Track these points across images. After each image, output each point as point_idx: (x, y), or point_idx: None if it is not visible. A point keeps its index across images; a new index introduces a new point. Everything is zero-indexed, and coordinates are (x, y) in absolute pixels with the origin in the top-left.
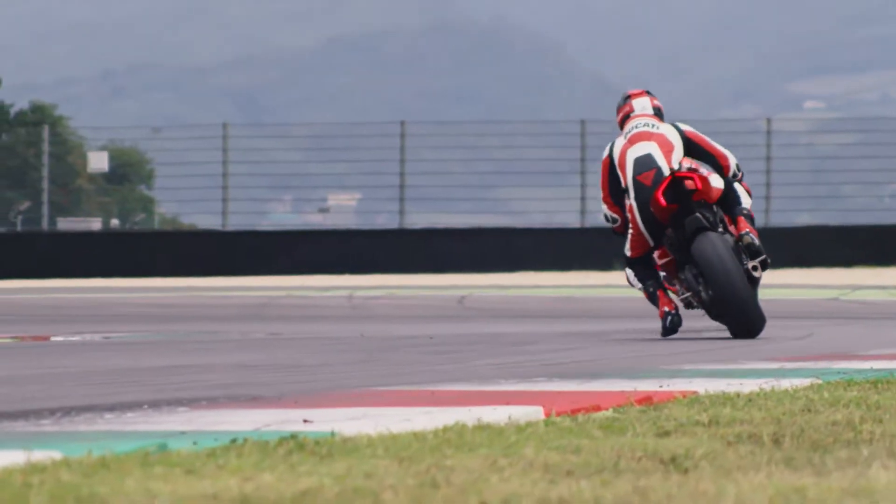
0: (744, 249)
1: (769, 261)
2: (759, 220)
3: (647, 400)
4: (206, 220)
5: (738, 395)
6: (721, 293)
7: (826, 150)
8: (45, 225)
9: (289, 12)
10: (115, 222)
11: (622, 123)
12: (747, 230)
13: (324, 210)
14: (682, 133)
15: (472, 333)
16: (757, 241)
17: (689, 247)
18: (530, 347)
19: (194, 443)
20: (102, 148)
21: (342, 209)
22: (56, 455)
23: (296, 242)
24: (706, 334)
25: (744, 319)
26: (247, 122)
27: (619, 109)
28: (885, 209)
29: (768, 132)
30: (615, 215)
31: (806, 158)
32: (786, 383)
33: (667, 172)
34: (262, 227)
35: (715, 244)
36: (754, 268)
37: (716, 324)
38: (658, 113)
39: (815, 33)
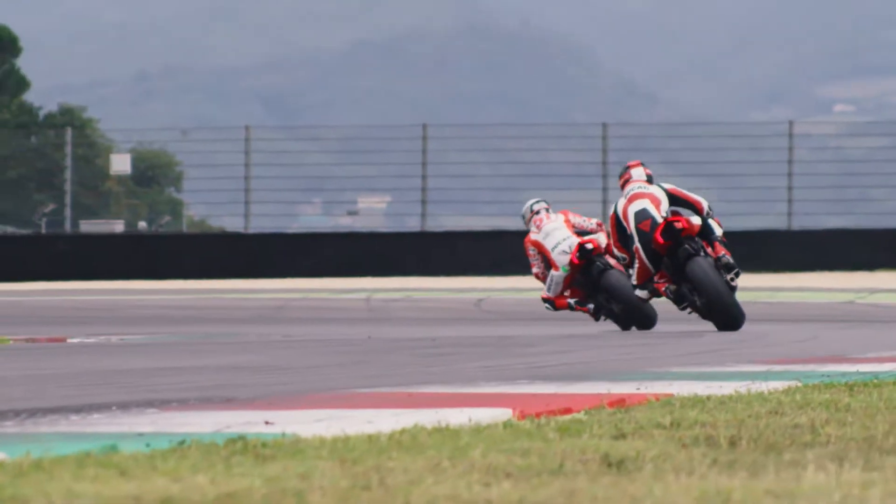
0: (722, 267)
1: (740, 272)
2: (782, 223)
3: (620, 402)
4: (234, 222)
5: (709, 397)
6: (711, 300)
7: (855, 154)
8: (67, 227)
9: (317, 15)
10: (142, 224)
11: (623, 186)
12: (723, 252)
13: (353, 213)
14: (665, 190)
15: (479, 336)
16: (731, 260)
17: (683, 269)
18: (527, 350)
19: (147, 444)
20: (131, 150)
21: (372, 212)
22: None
23: (318, 245)
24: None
25: (728, 317)
26: (276, 123)
27: (620, 176)
28: None
29: (790, 135)
30: (623, 255)
31: (835, 162)
32: (762, 386)
33: (659, 220)
34: (286, 229)
35: (703, 265)
36: (732, 279)
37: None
38: (649, 178)
39: (847, 36)
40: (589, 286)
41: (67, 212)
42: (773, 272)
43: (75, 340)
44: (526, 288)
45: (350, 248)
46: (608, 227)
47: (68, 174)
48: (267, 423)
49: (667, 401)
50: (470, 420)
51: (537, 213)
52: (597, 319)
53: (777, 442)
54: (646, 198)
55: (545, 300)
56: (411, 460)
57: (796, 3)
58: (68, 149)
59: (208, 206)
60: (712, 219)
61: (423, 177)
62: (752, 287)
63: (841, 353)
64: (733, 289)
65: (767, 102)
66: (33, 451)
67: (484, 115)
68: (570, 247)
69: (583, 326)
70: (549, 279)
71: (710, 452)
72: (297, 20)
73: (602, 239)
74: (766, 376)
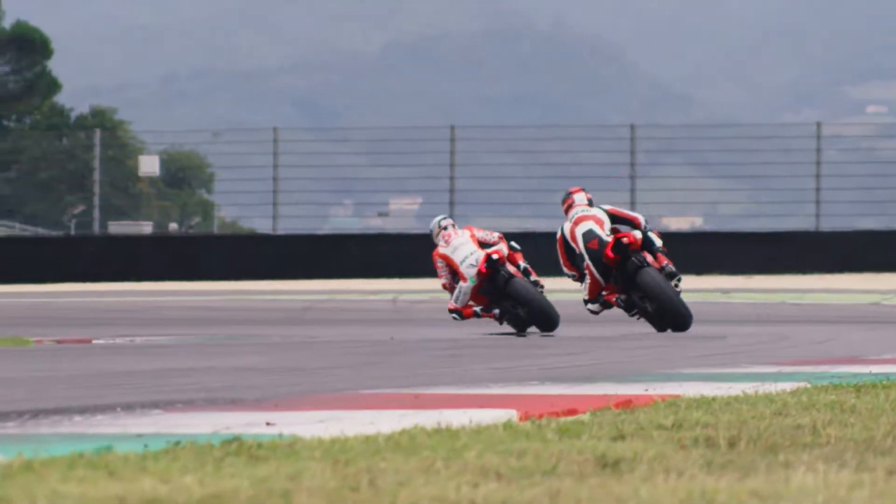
0: (667, 275)
1: (681, 277)
2: (811, 225)
3: (626, 403)
4: (264, 224)
5: (715, 399)
6: (663, 305)
7: (887, 155)
8: (96, 228)
9: (347, 16)
10: (173, 226)
11: (566, 211)
12: (666, 262)
13: (383, 214)
14: (606, 211)
15: (502, 336)
16: (673, 268)
17: (633, 280)
18: (539, 352)
19: (145, 445)
20: (162, 152)
21: (403, 213)
22: None
23: (347, 246)
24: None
25: (679, 318)
26: (306, 125)
27: (563, 201)
28: None
29: (818, 137)
30: (573, 272)
31: (865, 163)
32: (771, 387)
33: (605, 239)
34: (317, 230)
35: (652, 275)
36: (676, 284)
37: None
38: (589, 202)
39: (877, 37)
40: (494, 294)
41: (96, 213)
42: (801, 273)
43: (101, 342)
44: (555, 290)
45: (378, 249)
46: (557, 249)
47: (97, 175)
48: (268, 424)
49: (672, 402)
50: (471, 421)
51: (445, 228)
52: (501, 323)
53: (776, 443)
54: (590, 219)
55: (452, 311)
56: (404, 461)
57: (827, 4)
58: (97, 150)
59: (239, 208)
60: (651, 232)
61: (452, 178)
62: (779, 289)
63: (857, 355)
64: (678, 293)
65: (799, 104)
66: (28, 453)
67: (514, 116)
68: (477, 260)
69: (594, 328)
70: (457, 290)
71: (706, 453)
72: (326, 22)
73: (504, 249)
74: (776, 377)
